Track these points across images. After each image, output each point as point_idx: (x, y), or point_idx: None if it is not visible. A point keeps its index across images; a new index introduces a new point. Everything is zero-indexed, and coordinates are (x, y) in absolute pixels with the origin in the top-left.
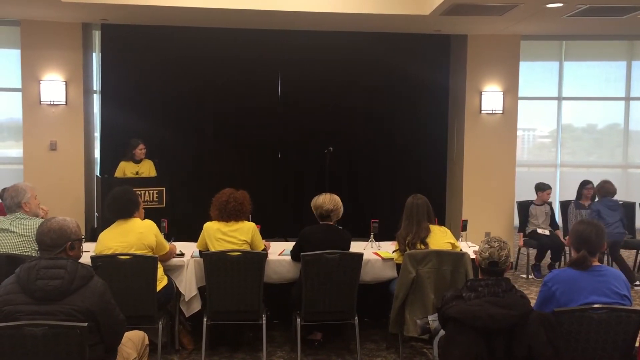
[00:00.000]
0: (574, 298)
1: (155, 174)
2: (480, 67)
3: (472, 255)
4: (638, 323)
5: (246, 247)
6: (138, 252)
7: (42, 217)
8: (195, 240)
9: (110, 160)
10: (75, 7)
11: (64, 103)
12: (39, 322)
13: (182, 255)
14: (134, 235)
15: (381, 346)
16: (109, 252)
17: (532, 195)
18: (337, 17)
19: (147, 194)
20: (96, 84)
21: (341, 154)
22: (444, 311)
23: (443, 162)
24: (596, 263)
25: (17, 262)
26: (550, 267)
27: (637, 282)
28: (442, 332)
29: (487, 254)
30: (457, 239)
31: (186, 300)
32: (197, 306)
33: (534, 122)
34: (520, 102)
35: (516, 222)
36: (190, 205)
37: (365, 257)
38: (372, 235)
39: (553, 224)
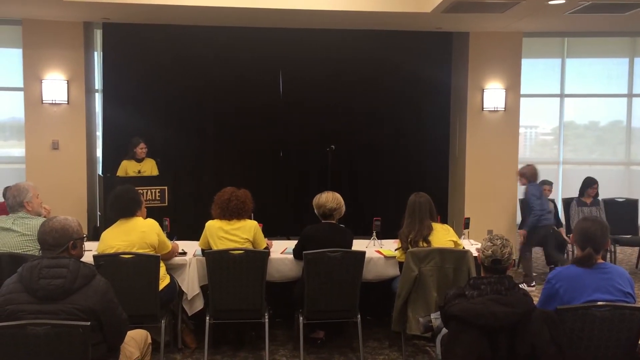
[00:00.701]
0: (577, 295)
1: (157, 173)
2: (483, 64)
3: (475, 253)
4: None
5: (248, 246)
6: (140, 251)
7: (45, 217)
8: (197, 238)
9: (112, 159)
10: (77, 6)
11: (66, 102)
12: (41, 322)
13: (184, 254)
14: (136, 234)
15: (384, 344)
16: (112, 251)
17: None
18: (338, 15)
19: (149, 192)
20: (98, 83)
21: (343, 152)
22: (446, 309)
23: (445, 160)
24: (600, 260)
25: (20, 261)
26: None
27: (534, 284)
28: (444, 330)
29: (489, 251)
30: (460, 237)
31: (189, 299)
32: (199, 305)
33: (536, 119)
34: (522, 99)
35: (519, 219)
36: (193, 204)
37: (367, 255)
38: (374, 234)
39: (556, 221)
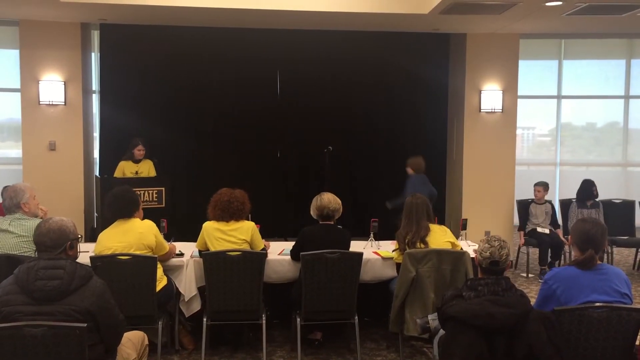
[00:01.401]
0: (574, 296)
1: (155, 174)
2: (480, 65)
3: (472, 254)
4: (638, 322)
5: (246, 247)
6: (138, 252)
7: (42, 218)
8: (194, 240)
9: (109, 160)
10: (74, 7)
11: (63, 103)
12: (38, 323)
13: (181, 255)
14: (133, 235)
15: (381, 345)
16: (109, 252)
17: (531, 194)
18: (335, 16)
19: (146, 193)
20: (95, 84)
21: (340, 153)
22: (444, 310)
23: (442, 161)
24: (597, 262)
25: (16, 262)
26: (550, 265)
27: None
28: (442, 332)
29: (487, 253)
30: (457, 238)
31: (186, 300)
32: (196, 306)
33: (534, 120)
34: (519, 100)
35: (516, 220)
36: (190, 205)
37: (365, 256)
38: (371, 235)
39: (554, 222)
